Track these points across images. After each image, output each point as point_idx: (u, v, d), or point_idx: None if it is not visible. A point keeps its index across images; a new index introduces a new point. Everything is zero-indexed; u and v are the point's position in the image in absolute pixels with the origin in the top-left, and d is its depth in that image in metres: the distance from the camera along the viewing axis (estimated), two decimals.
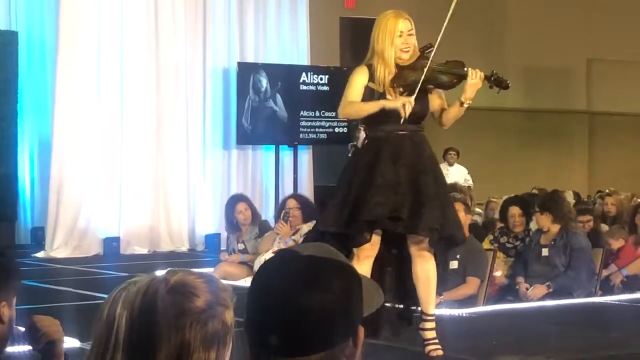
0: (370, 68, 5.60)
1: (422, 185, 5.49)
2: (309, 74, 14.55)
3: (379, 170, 5.46)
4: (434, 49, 5.63)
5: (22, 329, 2.95)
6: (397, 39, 5.53)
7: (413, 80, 5.57)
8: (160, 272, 2.12)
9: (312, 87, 14.55)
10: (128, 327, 2.09)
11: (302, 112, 14.47)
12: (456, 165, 15.73)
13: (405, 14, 5.67)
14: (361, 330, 1.89)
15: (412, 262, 5.59)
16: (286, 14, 14.78)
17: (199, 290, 2.07)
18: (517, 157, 18.68)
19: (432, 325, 5.63)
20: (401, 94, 5.57)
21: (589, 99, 20.20)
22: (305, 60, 14.78)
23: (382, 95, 5.57)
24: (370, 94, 5.59)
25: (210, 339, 2.04)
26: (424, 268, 5.57)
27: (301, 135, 14.53)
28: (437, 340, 5.62)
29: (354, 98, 5.59)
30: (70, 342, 5.74)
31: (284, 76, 14.39)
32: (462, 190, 11.35)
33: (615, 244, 8.82)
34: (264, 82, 14.19)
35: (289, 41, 14.78)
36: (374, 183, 5.43)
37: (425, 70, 5.55)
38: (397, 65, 5.58)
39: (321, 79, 14.58)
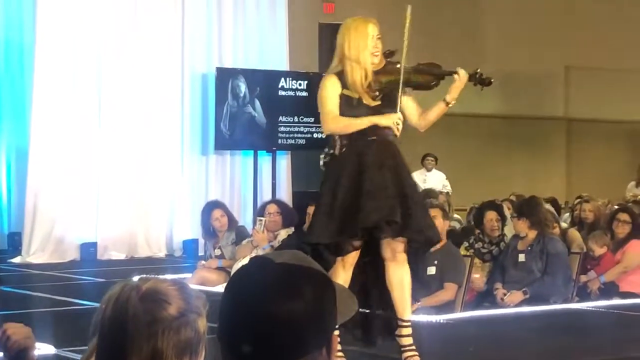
0: (340, 75, 5.56)
1: (406, 188, 5.52)
2: (287, 79, 14.54)
3: (366, 177, 5.44)
4: (404, 52, 5.59)
5: None
6: (370, 42, 5.49)
7: (389, 82, 5.56)
8: (135, 279, 2.11)
9: (291, 93, 14.54)
10: (100, 334, 2.08)
11: (280, 118, 14.45)
12: (434, 171, 15.75)
13: (373, 19, 5.64)
14: (335, 339, 1.88)
15: (385, 267, 5.57)
16: (265, 19, 14.77)
17: (171, 298, 2.06)
18: (495, 163, 18.73)
19: (408, 331, 5.62)
20: (375, 98, 5.55)
21: (566, 106, 20.28)
22: (284, 66, 14.77)
23: (359, 102, 5.54)
24: (346, 102, 5.56)
25: (182, 347, 2.03)
26: (398, 273, 5.56)
27: (280, 141, 14.51)
28: (414, 347, 5.61)
29: (336, 111, 5.55)
30: (45, 349, 5.71)
31: (263, 81, 14.37)
32: (433, 196, 11.37)
33: (598, 250, 8.85)
34: (243, 88, 14.17)
35: (268, 46, 14.77)
36: (364, 190, 5.41)
37: (402, 72, 5.54)
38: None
39: (300, 85, 14.57)
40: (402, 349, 5.62)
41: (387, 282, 5.58)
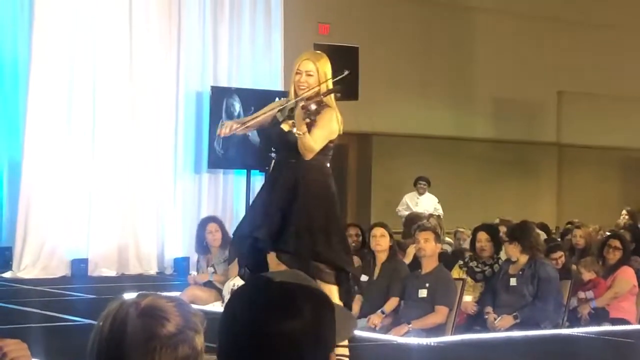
0: None
1: (285, 207, 5.99)
2: (282, 99, 14.53)
3: (261, 192, 6.32)
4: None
5: None
6: (295, 76, 6.01)
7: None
8: (129, 296, 2.11)
9: None
10: (97, 350, 2.09)
11: None
12: (427, 194, 15.77)
13: (313, 56, 6.11)
14: (333, 358, 1.90)
15: None
16: (260, 40, 14.82)
17: (169, 314, 2.07)
18: (486, 187, 18.76)
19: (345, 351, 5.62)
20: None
21: (558, 131, 20.34)
22: (278, 86, 14.80)
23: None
24: None
25: None
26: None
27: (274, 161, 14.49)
28: None
29: None
30: None
31: (257, 101, 14.33)
32: (420, 219, 11.35)
33: (587, 275, 8.87)
34: (237, 107, 14.19)
35: (263, 66, 14.81)
36: (254, 203, 6.31)
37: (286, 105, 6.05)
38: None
39: None
40: None
41: None
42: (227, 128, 6.06)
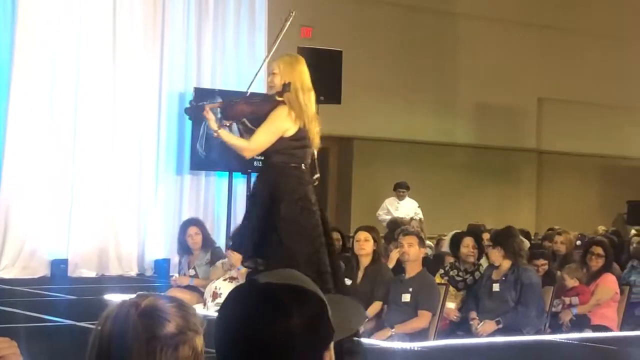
0: None
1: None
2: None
3: None
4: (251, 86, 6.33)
5: None
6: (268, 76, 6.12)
7: None
8: (110, 297, 2.10)
9: None
10: (98, 351, 2.07)
11: None
12: (407, 199, 15.78)
13: (280, 57, 6.13)
14: (327, 356, 1.88)
15: None
16: (244, 41, 14.80)
17: (170, 315, 2.06)
18: (465, 193, 18.81)
19: None
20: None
21: (538, 138, 20.43)
22: (262, 88, 14.76)
23: None
24: None
25: None
26: None
27: (255, 163, 14.43)
28: None
29: None
30: None
31: None
32: (402, 224, 11.36)
33: (570, 282, 8.89)
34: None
35: (246, 68, 14.77)
36: None
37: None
38: None
39: None
40: None
41: None
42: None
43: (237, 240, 6.34)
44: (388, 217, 14.51)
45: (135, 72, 13.81)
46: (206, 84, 14.41)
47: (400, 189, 15.72)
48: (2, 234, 12.83)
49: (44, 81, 13.09)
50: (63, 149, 13.23)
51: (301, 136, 5.88)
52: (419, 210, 15.74)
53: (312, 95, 6.02)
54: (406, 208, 15.59)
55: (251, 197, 6.23)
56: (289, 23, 6.29)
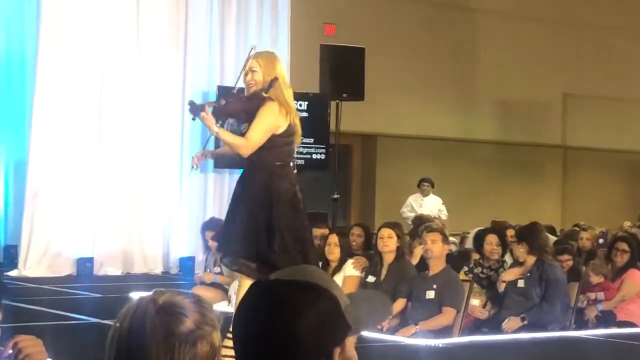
0: None
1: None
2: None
3: None
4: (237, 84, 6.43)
5: (2, 348, 2.91)
6: (245, 75, 6.16)
7: None
8: (135, 295, 2.11)
9: None
10: (117, 348, 2.08)
11: None
12: (431, 196, 15.72)
13: (259, 55, 6.18)
14: (336, 352, 1.88)
15: None
16: (267, 39, 14.80)
17: (187, 311, 2.06)
18: (490, 189, 18.75)
19: None
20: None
21: (563, 133, 20.34)
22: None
23: None
24: None
25: None
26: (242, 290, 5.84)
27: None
28: None
29: None
30: None
31: None
32: (426, 221, 11.30)
33: (595, 279, 8.84)
34: None
35: None
36: None
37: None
38: None
39: (300, 105, 14.57)
40: None
41: None
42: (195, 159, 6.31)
43: (223, 241, 6.26)
44: (412, 214, 14.47)
45: (159, 71, 13.85)
46: (229, 83, 14.42)
47: (424, 183, 15.66)
48: (28, 233, 12.91)
49: (68, 82, 13.15)
50: (88, 149, 13.30)
51: (291, 132, 6.00)
52: (443, 207, 15.69)
53: (292, 91, 6.14)
54: (430, 205, 15.55)
55: (238, 197, 6.13)
56: (250, 56, 6.26)
